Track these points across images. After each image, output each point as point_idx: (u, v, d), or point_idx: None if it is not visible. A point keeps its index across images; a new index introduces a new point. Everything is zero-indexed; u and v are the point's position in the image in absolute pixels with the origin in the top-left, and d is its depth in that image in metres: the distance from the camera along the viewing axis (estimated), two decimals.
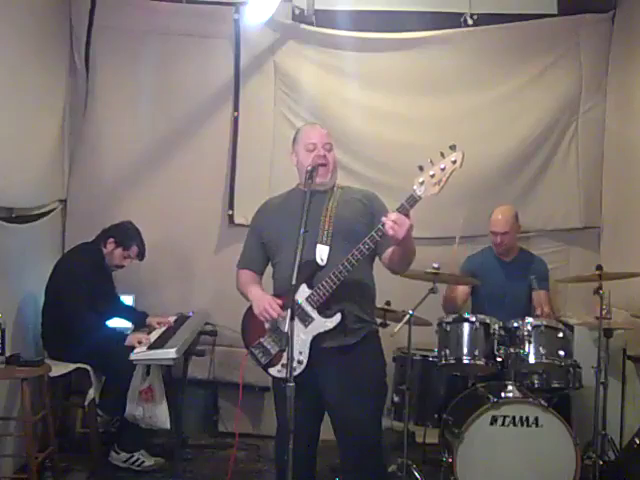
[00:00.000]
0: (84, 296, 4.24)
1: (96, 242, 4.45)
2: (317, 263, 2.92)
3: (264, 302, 2.94)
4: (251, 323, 3.05)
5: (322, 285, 2.87)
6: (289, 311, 2.59)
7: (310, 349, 2.89)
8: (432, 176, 2.69)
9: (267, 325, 2.97)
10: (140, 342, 4.08)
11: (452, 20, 4.99)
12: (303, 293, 2.90)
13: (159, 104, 5.01)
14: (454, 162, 2.68)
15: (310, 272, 2.90)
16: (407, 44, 5.01)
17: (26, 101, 4.19)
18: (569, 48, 4.99)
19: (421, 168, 2.70)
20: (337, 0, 5.02)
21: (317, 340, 2.90)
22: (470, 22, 4.95)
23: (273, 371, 2.98)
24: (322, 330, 2.89)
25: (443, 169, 2.68)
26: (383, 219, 2.72)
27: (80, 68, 4.94)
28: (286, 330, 2.58)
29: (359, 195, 3.12)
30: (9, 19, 3.91)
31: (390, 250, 2.95)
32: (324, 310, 2.90)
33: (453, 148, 2.70)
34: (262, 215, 3.21)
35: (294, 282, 2.61)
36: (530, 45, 5.00)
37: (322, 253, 2.93)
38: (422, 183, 2.70)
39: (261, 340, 2.99)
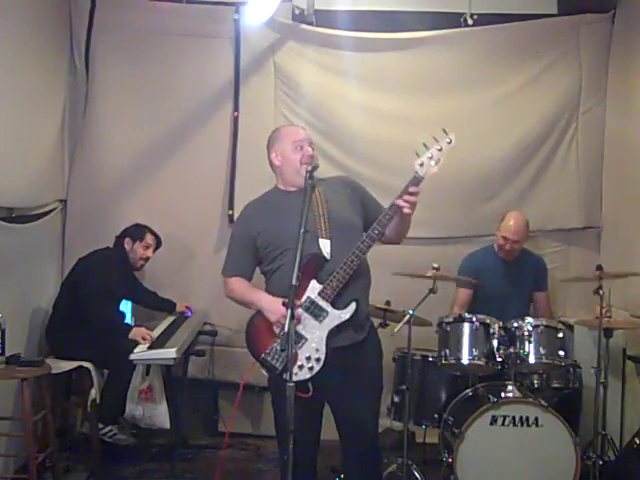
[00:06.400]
0: (109, 289, 4.30)
1: (116, 247, 4.56)
2: (324, 257, 2.91)
3: (282, 307, 2.76)
4: (259, 332, 2.97)
5: (335, 277, 2.86)
6: (289, 311, 2.59)
7: (326, 346, 2.86)
8: (430, 157, 2.86)
9: (278, 330, 2.91)
10: (144, 339, 4.09)
11: (452, 20, 4.99)
12: (314, 289, 2.88)
13: (159, 104, 5.00)
14: (449, 142, 2.86)
15: (317, 266, 2.90)
16: (407, 44, 5.01)
17: (26, 101, 4.18)
18: (569, 48, 4.99)
19: (417, 154, 2.88)
20: (337, 0, 5.02)
21: (330, 338, 2.87)
22: (470, 22, 4.95)
23: None
24: (338, 322, 2.88)
25: (440, 150, 2.86)
26: (397, 202, 2.84)
27: (80, 68, 4.94)
28: (286, 330, 2.57)
29: (339, 184, 3.16)
30: (9, 19, 3.90)
31: (392, 226, 2.99)
32: (337, 302, 2.89)
33: (445, 131, 2.87)
34: (250, 220, 3.12)
35: (294, 282, 2.61)
36: (530, 45, 5.00)
37: (325, 247, 2.93)
38: (422, 165, 2.86)
39: (274, 345, 2.90)
